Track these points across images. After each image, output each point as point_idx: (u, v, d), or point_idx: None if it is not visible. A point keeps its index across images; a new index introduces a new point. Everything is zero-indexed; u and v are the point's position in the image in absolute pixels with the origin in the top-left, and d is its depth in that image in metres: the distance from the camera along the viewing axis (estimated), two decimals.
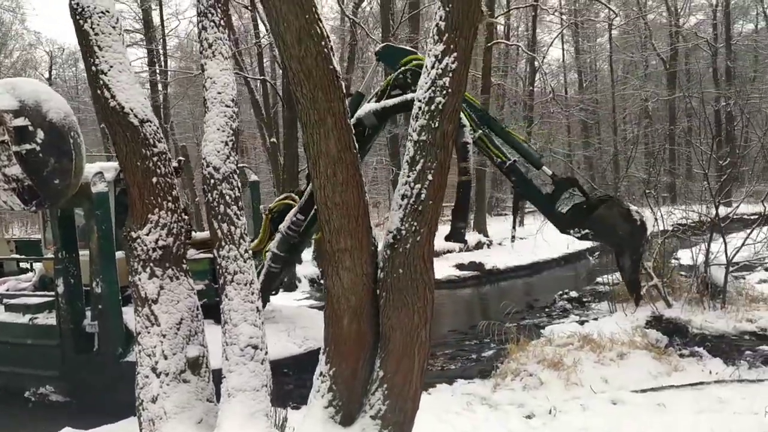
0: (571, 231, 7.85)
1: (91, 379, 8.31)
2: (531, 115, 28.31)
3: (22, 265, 12.17)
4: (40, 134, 6.85)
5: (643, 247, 8.07)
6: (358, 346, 4.76)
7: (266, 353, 5.42)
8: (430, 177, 4.50)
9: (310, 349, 8.55)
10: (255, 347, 5.31)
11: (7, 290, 9.38)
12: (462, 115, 6.66)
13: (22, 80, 7.45)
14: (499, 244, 23.73)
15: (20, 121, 6.67)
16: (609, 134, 38.39)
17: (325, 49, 4.37)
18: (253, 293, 5.48)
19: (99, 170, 8.25)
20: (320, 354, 4.93)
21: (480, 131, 7.90)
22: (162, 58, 28.33)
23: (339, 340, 4.77)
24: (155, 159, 5.62)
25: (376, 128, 8.11)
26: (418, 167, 4.52)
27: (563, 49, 42.04)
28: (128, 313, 8.36)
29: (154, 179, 5.59)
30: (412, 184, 4.54)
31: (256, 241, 9.34)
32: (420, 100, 4.55)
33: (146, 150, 5.57)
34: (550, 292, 13.79)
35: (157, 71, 27.28)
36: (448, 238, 7.71)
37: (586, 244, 13.63)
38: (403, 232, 4.55)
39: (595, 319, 10.37)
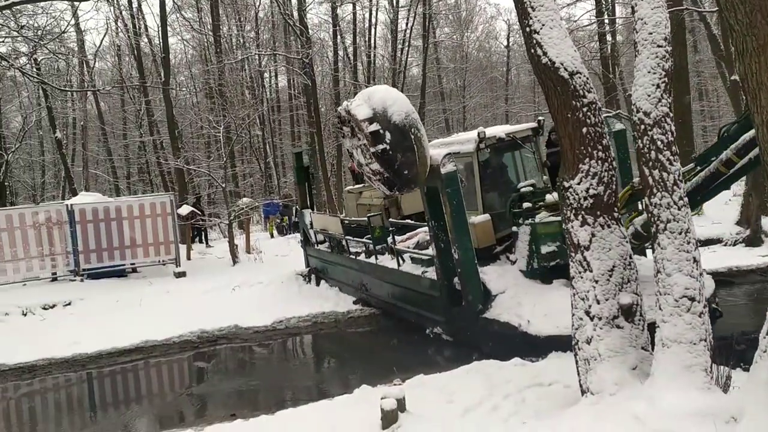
0: None
1: (463, 327, 9.13)
2: None
3: None
4: (388, 135, 7.95)
5: None
6: None
7: (705, 306, 5.09)
8: None
9: None
10: (691, 299, 5.05)
11: (418, 242, 10.69)
12: None
13: (375, 89, 8.60)
14: None
15: (374, 127, 7.94)
16: None
17: None
18: (689, 242, 5.19)
19: (448, 153, 8.77)
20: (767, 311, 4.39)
21: None
22: (610, 7, 27.94)
23: None
24: (585, 110, 5.76)
25: None
26: None
27: None
28: (488, 273, 9.06)
29: (584, 129, 5.74)
30: None
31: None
32: None
33: (576, 101, 5.75)
34: None
35: (606, 21, 27.03)
36: None
37: None
38: None
39: None
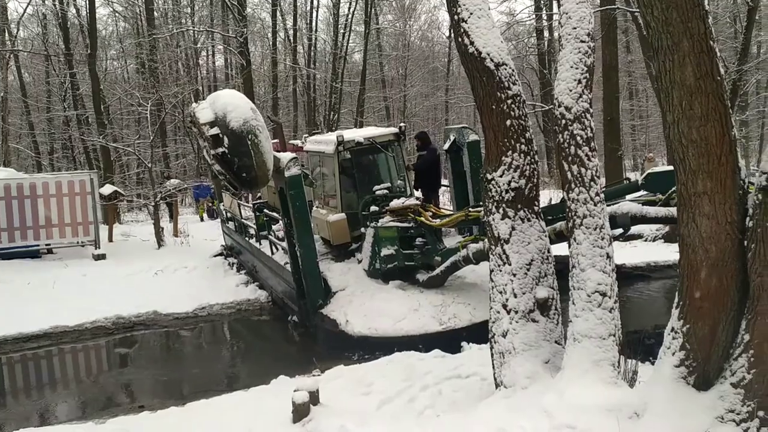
0: None
1: (306, 320, 9.57)
2: None
3: None
4: (226, 140, 8.19)
5: None
6: (718, 304, 4.16)
7: (615, 302, 5.15)
8: None
9: (450, 328, 8.23)
10: (603, 294, 5.08)
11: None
12: None
13: (220, 94, 8.91)
14: None
15: (214, 131, 8.22)
16: None
17: None
18: (603, 238, 5.22)
19: (294, 156, 9.21)
20: (673, 308, 4.45)
21: None
22: (548, 2, 28.37)
23: (694, 295, 4.23)
24: (509, 102, 5.70)
25: (626, 229, 7.51)
26: None
27: None
28: (332, 271, 9.66)
29: (508, 122, 5.69)
30: None
31: (447, 219, 8.97)
32: None
33: (501, 93, 5.69)
34: None
35: (544, 16, 27.44)
36: None
37: None
38: None
39: None
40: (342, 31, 32.76)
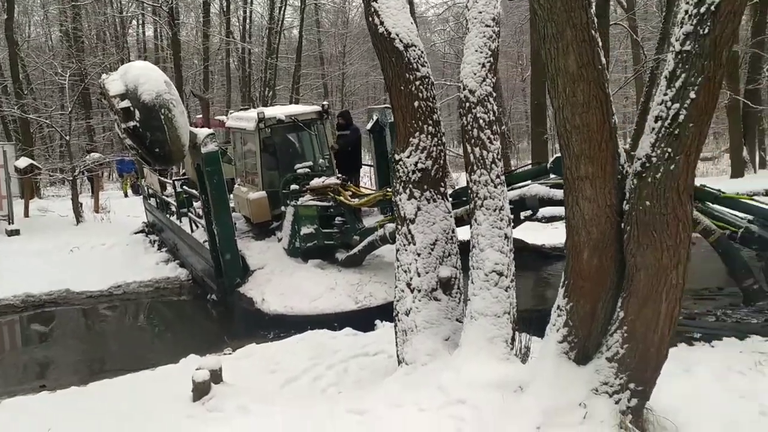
0: None
1: (224, 297, 9.51)
2: None
3: None
4: (137, 114, 8.00)
5: None
6: (598, 283, 4.36)
7: (512, 281, 5.33)
8: (692, 95, 3.75)
9: (365, 307, 8.38)
10: (500, 273, 5.25)
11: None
12: None
13: (132, 65, 8.71)
14: None
15: (125, 104, 8.02)
16: None
17: None
18: (502, 219, 5.38)
19: (211, 132, 9.04)
20: (560, 287, 4.65)
21: None
22: None
23: (577, 275, 4.42)
24: (417, 83, 5.75)
25: (534, 210, 7.90)
26: (678, 83, 3.79)
27: None
28: (251, 249, 9.61)
29: (416, 103, 5.74)
30: (668, 104, 3.85)
31: (365, 198, 9.15)
32: (687, 2, 3.78)
33: (410, 74, 5.73)
34: None
35: None
36: (745, 303, 7.14)
37: None
38: (654, 159, 3.93)
39: None
40: (279, 5, 32.13)
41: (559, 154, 8.16)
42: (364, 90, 42.12)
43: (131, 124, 7.92)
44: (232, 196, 10.82)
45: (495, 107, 5.55)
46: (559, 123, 4.19)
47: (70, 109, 16.30)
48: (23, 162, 16.49)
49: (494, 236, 5.35)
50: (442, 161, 5.94)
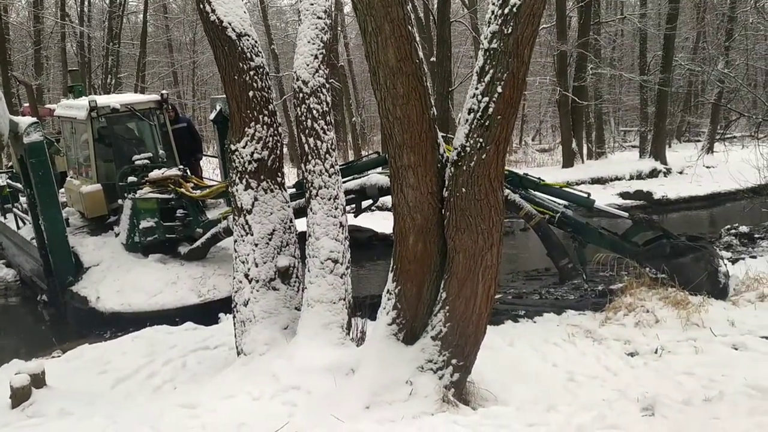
0: (647, 268, 7.22)
1: (56, 298, 9.14)
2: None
3: None
4: None
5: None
6: (423, 266, 4.61)
7: (347, 268, 5.47)
8: (499, 89, 4.07)
9: (209, 300, 8.18)
10: (335, 261, 5.38)
11: None
12: None
13: None
14: (680, 173, 21.32)
15: None
16: None
17: None
18: (336, 208, 5.51)
19: (35, 121, 8.49)
20: (389, 271, 4.85)
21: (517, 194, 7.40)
22: None
23: (404, 259, 4.64)
24: (252, 73, 5.70)
25: (374, 199, 8.21)
26: (487, 78, 4.10)
27: None
28: (85, 246, 9.19)
29: (251, 93, 5.69)
30: (479, 97, 4.15)
31: (208, 190, 8.94)
32: (494, 3, 4.09)
33: (243, 64, 5.66)
34: (720, 226, 12.30)
35: None
36: (561, 281, 7.82)
37: None
38: (468, 149, 4.22)
39: (754, 257, 9.07)
40: None
41: None
42: (217, 80, 40.70)
43: None
44: (63, 189, 10.10)
45: (329, 98, 5.65)
46: (382, 114, 4.36)
47: None
48: None
49: (329, 225, 5.46)
50: (278, 151, 5.94)
